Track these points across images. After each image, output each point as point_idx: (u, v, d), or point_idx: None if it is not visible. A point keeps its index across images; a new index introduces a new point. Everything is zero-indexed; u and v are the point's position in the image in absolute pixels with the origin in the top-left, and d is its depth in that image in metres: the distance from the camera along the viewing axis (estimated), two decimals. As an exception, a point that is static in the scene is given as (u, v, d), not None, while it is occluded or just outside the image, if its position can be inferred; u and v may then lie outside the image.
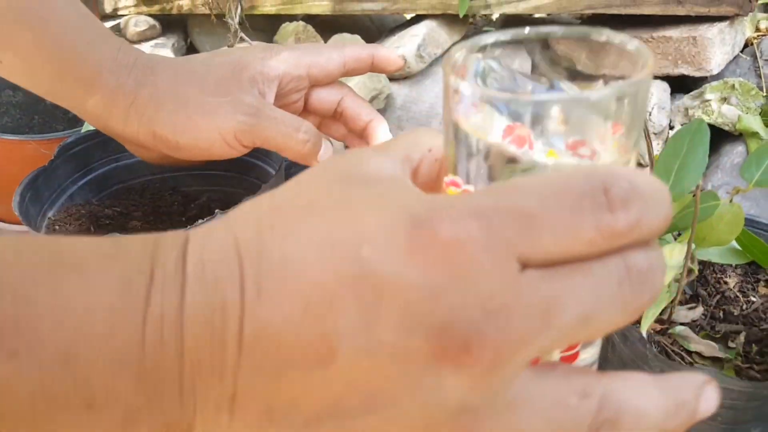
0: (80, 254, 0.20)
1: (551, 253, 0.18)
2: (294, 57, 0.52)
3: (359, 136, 0.56)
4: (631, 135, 0.21)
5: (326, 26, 1.60)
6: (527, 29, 0.24)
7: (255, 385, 0.19)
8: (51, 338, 0.18)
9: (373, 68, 0.53)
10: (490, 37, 0.24)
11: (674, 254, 0.46)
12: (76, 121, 1.26)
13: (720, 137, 1.35)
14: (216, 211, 0.54)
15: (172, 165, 0.59)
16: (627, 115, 0.21)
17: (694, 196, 0.44)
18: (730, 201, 0.47)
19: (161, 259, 0.20)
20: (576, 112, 0.20)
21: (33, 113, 1.23)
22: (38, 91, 0.53)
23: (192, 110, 0.49)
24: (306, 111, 0.56)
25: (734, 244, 0.52)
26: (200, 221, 0.53)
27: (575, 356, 0.23)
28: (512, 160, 0.21)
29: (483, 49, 0.24)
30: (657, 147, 1.35)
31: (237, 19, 0.86)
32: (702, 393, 0.21)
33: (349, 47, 0.54)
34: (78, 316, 0.19)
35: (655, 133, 1.31)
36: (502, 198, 0.19)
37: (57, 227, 0.65)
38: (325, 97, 0.54)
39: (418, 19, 1.51)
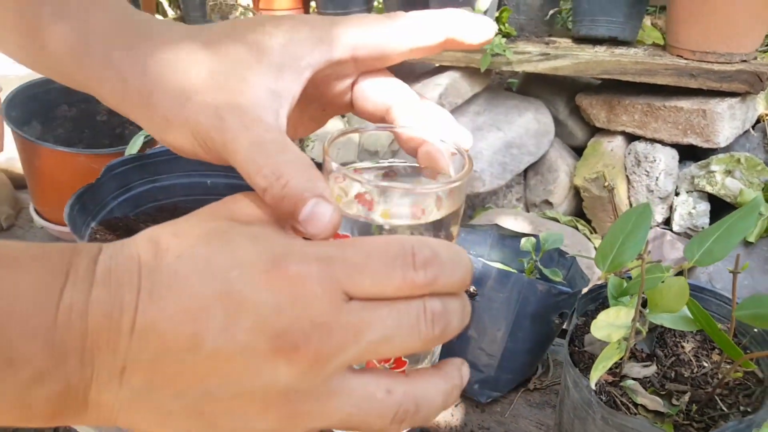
0: (14, 254, 0.27)
1: (369, 292, 0.26)
2: (314, 42, 0.35)
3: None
4: (455, 203, 0.30)
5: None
6: (386, 162, 0.34)
7: (140, 362, 0.26)
8: None
9: (447, 46, 0.37)
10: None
11: (620, 316, 0.52)
12: (121, 138, 1.37)
13: (722, 208, 1.39)
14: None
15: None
16: (450, 196, 0.29)
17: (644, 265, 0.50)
18: (678, 273, 0.53)
19: (75, 264, 0.27)
20: (408, 196, 0.29)
21: (84, 127, 1.34)
22: (31, 66, 0.42)
23: (167, 111, 0.35)
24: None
25: (688, 312, 0.57)
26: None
27: (403, 371, 0.31)
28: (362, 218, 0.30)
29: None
30: (662, 211, 1.40)
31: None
32: (461, 370, 0.30)
33: (397, 16, 0.36)
34: (8, 300, 0.25)
35: (660, 198, 1.36)
36: (342, 250, 0.27)
37: (98, 236, 0.74)
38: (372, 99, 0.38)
39: (443, 69, 1.59)
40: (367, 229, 0.29)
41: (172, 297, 0.27)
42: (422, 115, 0.36)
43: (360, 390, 0.27)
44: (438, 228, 0.30)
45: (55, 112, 1.31)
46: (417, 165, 0.34)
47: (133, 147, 1.09)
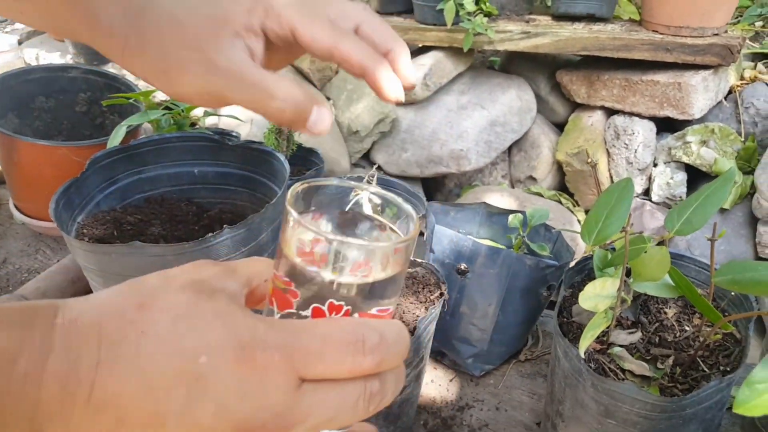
0: None
1: (322, 375, 0.29)
2: (290, 6, 0.43)
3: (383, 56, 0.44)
4: (399, 264, 0.32)
5: (340, 49, 1.69)
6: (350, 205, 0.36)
7: None
8: None
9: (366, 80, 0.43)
10: (324, 181, 0.35)
11: (606, 286, 0.54)
12: (102, 128, 1.36)
13: (698, 177, 1.43)
14: (225, 226, 0.62)
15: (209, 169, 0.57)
16: (397, 254, 0.31)
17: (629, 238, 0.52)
18: (659, 244, 0.55)
19: (31, 332, 0.27)
20: (360, 252, 0.31)
21: (63, 118, 1.32)
22: (55, 34, 0.52)
23: (169, 63, 0.44)
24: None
25: (670, 280, 0.60)
26: (210, 235, 0.61)
27: None
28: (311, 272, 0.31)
29: (317, 189, 0.35)
30: (641, 182, 1.43)
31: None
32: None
33: (367, 23, 0.43)
34: None
35: (639, 169, 1.39)
36: (299, 338, 0.29)
37: (85, 231, 0.73)
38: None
39: (426, 49, 1.60)
40: (316, 282, 0.31)
41: (135, 373, 0.27)
42: (377, 47, 0.42)
43: None
44: (383, 288, 0.32)
45: (32, 103, 1.29)
46: (379, 202, 0.36)
47: (116, 138, 1.08)
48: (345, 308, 0.32)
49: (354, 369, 0.29)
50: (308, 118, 0.41)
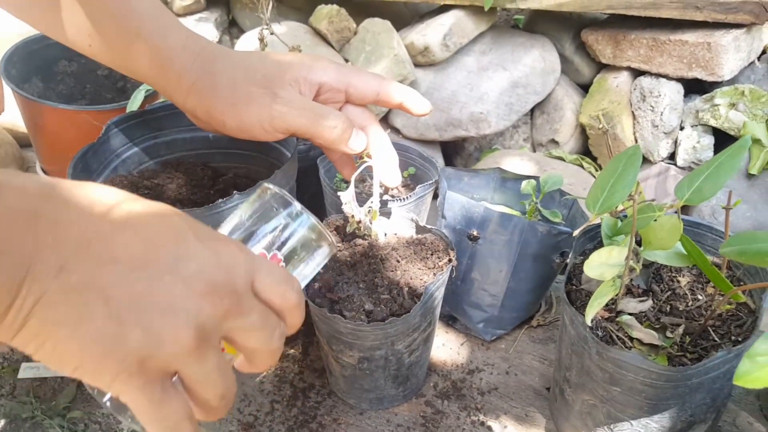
0: None
1: (263, 293, 0.39)
2: (336, 71, 0.59)
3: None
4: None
5: (360, 10, 1.66)
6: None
7: (82, 265, 0.31)
8: None
9: (401, 108, 0.61)
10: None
11: (613, 255, 0.53)
12: (123, 92, 1.37)
13: (726, 141, 1.38)
14: (234, 192, 0.63)
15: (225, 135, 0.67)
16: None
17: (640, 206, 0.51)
18: (676, 212, 0.54)
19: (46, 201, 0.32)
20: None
21: (86, 82, 1.34)
22: (119, 69, 0.62)
23: (238, 97, 0.57)
24: None
25: (682, 248, 0.59)
26: (220, 201, 0.62)
27: None
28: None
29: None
30: (667, 146, 1.39)
31: (270, 5, 0.94)
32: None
33: (387, 82, 0.60)
34: None
35: (665, 133, 1.35)
36: (265, 262, 0.40)
37: (104, 193, 0.75)
38: (354, 120, 0.60)
39: (447, 8, 1.56)
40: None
41: (129, 226, 0.33)
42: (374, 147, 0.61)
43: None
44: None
45: (55, 67, 1.30)
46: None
47: (134, 103, 1.09)
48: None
49: (283, 302, 0.38)
50: (349, 138, 0.58)
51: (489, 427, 0.70)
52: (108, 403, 0.38)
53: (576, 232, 0.51)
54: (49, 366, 0.32)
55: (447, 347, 0.81)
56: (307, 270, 0.46)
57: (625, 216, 0.60)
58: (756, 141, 1.19)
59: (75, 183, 0.34)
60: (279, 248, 0.43)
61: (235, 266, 0.36)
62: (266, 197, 0.44)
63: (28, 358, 0.80)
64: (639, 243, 0.57)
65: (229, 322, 0.35)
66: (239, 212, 0.45)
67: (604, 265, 0.51)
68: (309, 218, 0.44)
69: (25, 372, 0.80)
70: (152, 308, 0.33)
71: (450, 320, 0.84)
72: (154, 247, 0.34)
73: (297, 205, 0.44)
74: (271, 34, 0.90)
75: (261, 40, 0.88)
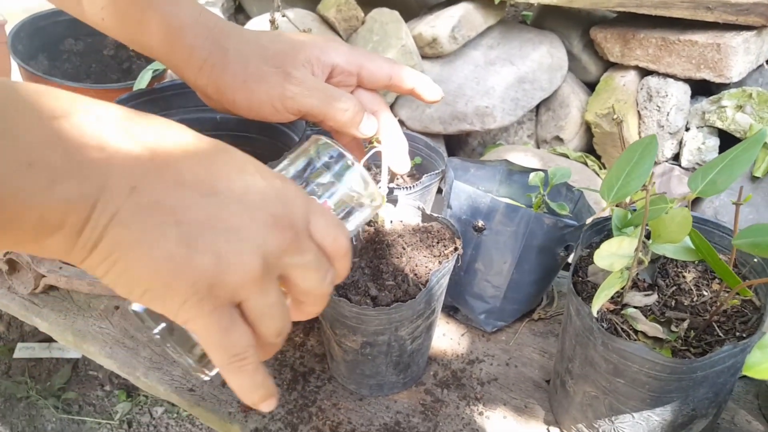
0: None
1: (317, 236, 0.39)
2: (349, 53, 0.58)
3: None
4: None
5: None
6: None
7: (153, 186, 0.31)
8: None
9: (412, 93, 0.60)
10: None
11: (623, 246, 0.53)
12: (129, 73, 1.36)
13: (731, 143, 1.38)
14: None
15: (233, 116, 0.66)
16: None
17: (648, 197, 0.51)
18: (688, 205, 0.54)
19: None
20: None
21: (91, 62, 1.33)
22: (131, 45, 0.61)
23: (249, 75, 0.56)
24: None
25: (690, 243, 0.59)
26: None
27: None
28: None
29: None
30: (672, 147, 1.39)
31: (282, -9, 0.93)
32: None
33: (400, 66, 0.59)
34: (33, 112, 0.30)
35: (670, 133, 1.35)
36: (322, 209, 0.40)
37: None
38: (365, 105, 0.59)
39: (456, 0, 1.55)
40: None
41: (196, 155, 0.34)
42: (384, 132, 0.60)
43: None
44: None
45: (61, 45, 1.29)
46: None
47: (142, 81, 1.09)
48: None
49: (334, 248, 0.38)
50: (361, 121, 0.57)
51: (488, 417, 0.70)
52: (158, 336, 0.37)
53: (589, 220, 0.50)
54: (116, 289, 0.32)
55: (448, 337, 0.81)
56: (351, 224, 0.45)
57: (635, 209, 0.60)
58: (762, 145, 1.18)
59: (144, 114, 0.35)
60: (329, 197, 0.43)
61: (295, 204, 0.36)
62: (319, 146, 0.44)
63: (24, 338, 0.80)
64: (647, 236, 0.57)
65: (287, 258, 0.35)
66: (290, 159, 0.45)
67: (614, 255, 0.51)
68: (360, 171, 0.44)
69: (20, 352, 0.80)
70: (222, 234, 0.33)
71: (451, 311, 0.84)
72: (219, 176, 0.34)
73: (349, 157, 0.44)
74: (283, 16, 0.89)
75: (272, 22, 0.88)
